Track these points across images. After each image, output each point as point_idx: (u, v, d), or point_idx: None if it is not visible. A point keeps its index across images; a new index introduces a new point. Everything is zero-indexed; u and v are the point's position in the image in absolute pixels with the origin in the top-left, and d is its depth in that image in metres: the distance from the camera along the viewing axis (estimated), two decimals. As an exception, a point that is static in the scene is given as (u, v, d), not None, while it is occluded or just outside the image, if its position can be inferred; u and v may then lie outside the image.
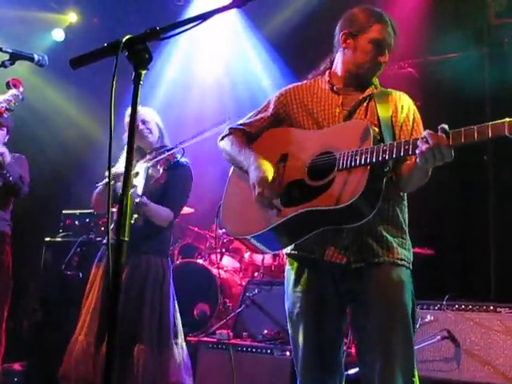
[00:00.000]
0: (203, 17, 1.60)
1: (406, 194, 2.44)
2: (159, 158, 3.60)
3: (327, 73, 2.57)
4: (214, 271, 5.34)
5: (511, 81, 5.41)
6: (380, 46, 2.40)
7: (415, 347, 3.80)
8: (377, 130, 2.32)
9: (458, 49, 6.08)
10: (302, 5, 5.95)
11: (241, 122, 2.64)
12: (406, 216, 2.43)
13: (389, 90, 2.52)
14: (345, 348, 3.95)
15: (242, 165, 2.49)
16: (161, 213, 3.63)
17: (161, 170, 3.60)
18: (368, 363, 2.27)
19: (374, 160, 2.14)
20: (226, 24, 6.56)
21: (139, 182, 3.53)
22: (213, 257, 5.76)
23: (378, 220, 2.29)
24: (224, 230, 4.56)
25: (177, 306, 3.71)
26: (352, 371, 3.64)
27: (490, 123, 1.94)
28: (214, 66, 6.85)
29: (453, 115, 5.53)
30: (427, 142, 2.03)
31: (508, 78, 5.51)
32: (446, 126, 2.04)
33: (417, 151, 2.08)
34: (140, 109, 3.78)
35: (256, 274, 5.56)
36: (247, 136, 2.59)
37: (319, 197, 2.21)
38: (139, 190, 3.51)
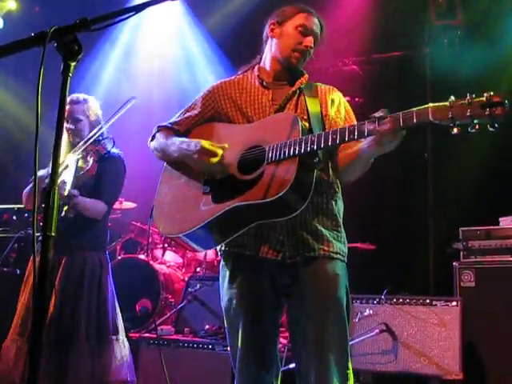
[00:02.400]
0: (136, 9, 1.57)
1: (340, 187, 2.45)
2: (87, 148, 3.52)
3: (256, 68, 2.58)
4: (157, 267, 5.29)
5: (451, 81, 5.55)
6: (305, 31, 2.45)
7: (354, 341, 3.92)
8: (306, 120, 2.33)
9: (400, 48, 6.21)
10: (243, 3, 5.96)
11: (170, 120, 2.62)
12: (341, 209, 2.44)
13: (317, 83, 2.54)
14: (286, 342, 4.02)
15: (175, 153, 2.46)
16: (93, 205, 3.55)
17: (91, 161, 3.51)
18: (303, 357, 2.29)
19: (302, 151, 2.14)
20: (170, 18, 6.50)
21: (68, 175, 3.44)
22: (155, 252, 5.71)
23: (313, 213, 2.31)
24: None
25: (116, 302, 3.65)
26: (293, 365, 3.68)
27: (415, 109, 1.98)
28: (158, 59, 6.77)
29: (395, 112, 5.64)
30: (383, 125, 2.04)
31: (448, 77, 5.65)
32: (380, 113, 2.07)
33: (364, 141, 2.12)
34: (77, 99, 3.69)
35: (198, 269, 5.54)
36: (176, 134, 2.57)
37: (249, 191, 2.19)
38: (68, 182, 3.42)
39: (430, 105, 1.96)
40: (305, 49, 2.46)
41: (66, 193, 3.35)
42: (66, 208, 3.42)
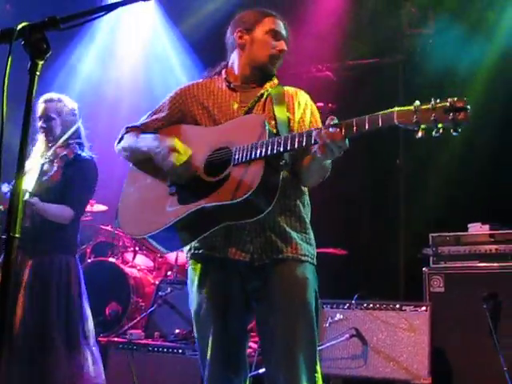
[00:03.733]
0: (106, 8, 1.56)
1: (307, 189, 2.46)
2: (56, 151, 3.47)
3: (224, 71, 2.58)
4: (127, 270, 5.24)
5: (422, 88, 5.63)
6: (276, 35, 2.47)
7: (325, 346, 3.93)
8: (273, 126, 2.33)
9: (373, 55, 6.28)
10: (221, 4, 5.95)
11: (137, 122, 2.60)
12: (309, 211, 2.44)
13: (285, 87, 2.55)
14: (256, 347, 4.01)
15: (144, 148, 2.44)
16: (56, 211, 3.49)
17: (55, 167, 3.46)
18: (271, 362, 2.28)
19: (268, 153, 2.14)
20: (145, 20, 6.47)
21: (30, 180, 3.39)
22: (126, 255, 5.66)
23: (281, 215, 2.31)
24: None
25: (87, 306, 3.60)
26: (262, 370, 3.67)
27: (381, 112, 1.99)
28: (131, 61, 6.73)
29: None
30: (324, 136, 2.06)
31: (419, 85, 5.73)
32: (335, 119, 2.08)
33: (315, 146, 2.11)
34: (51, 98, 3.65)
35: (169, 273, 5.50)
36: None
37: (214, 193, 2.18)
38: (29, 188, 3.37)
39: (396, 109, 1.98)
40: (280, 53, 2.48)
41: (24, 199, 3.29)
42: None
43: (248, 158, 2.17)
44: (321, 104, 5.57)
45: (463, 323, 4.21)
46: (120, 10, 1.67)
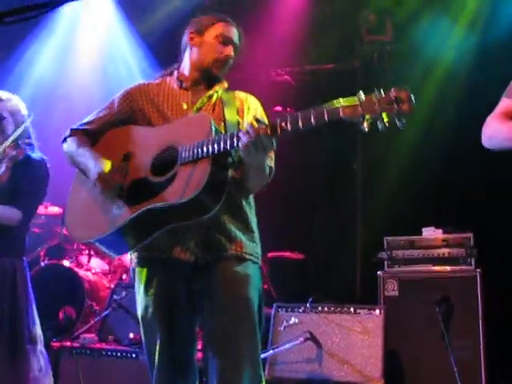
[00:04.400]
0: (51, 4, 1.52)
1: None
2: (5, 151, 3.39)
3: (175, 72, 2.59)
4: (82, 273, 5.15)
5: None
6: (225, 40, 2.50)
7: (279, 349, 3.93)
8: (223, 128, 2.34)
9: (332, 60, 6.33)
10: (179, 6, 5.93)
11: (83, 121, 2.57)
12: (254, 211, 2.45)
13: (236, 91, 2.57)
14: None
15: (81, 166, 2.42)
16: (4, 213, 3.39)
17: (3, 168, 3.38)
18: (209, 360, 2.25)
19: (215, 151, 2.13)
20: (102, 18, 6.40)
21: None
22: (81, 258, 5.56)
23: (226, 214, 2.30)
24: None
25: (34, 310, 3.50)
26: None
27: (326, 106, 1.99)
28: (88, 59, 6.63)
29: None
30: (248, 133, 2.07)
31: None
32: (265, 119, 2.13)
33: (240, 144, 2.10)
34: (0, 97, 3.56)
35: (125, 276, 5.43)
36: (89, 136, 2.53)
37: (161, 193, 2.16)
38: None
39: (341, 102, 1.97)
40: (225, 58, 2.51)
41: None
42: None
43: (194, 156, 2.16)
44: (279, 108, 5.61)
45: (416, 326, 4.27)
46: (79, 6, 1.63)
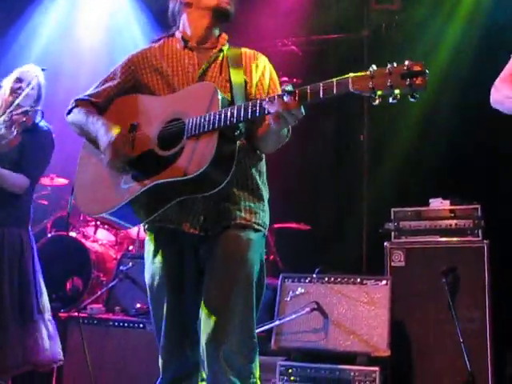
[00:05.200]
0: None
1: (264, 156, 2.41)
2: (13, 117, 3.37)
3: (177, 32, 2.50)
4: (88, 245, 5.16)
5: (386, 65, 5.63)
6: None
7: (285, 319, 3.94)
8: (228, 90, 2.29)
9: (339, 30, 6.24)
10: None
11: (87, 92, 2.51)
12: (265, 178, 2.41)
13: (243, 48, 2.49)
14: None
15: (90, 134, 2.37)
16: (11, 179, 3.40)
17: (14, 132, 3.37)
18: (202, 321, 2.22)
19: (221, 124, 2.08)
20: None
21: None
22: (87, 230, 5.57)
23: (235, 185, 2.26)
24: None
25: (41, 280, 3.53)
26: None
27: (336, 79, 1.93)
28: (92, 30, 6.56)
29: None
30: (276, 105, 1.99)
31: (384, 61, 5.73)
32: (289, 87, 2.00)
33: (269, 115, 2.04)
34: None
35: (131, 247, 5.44)
36: (95, 107, 2.47)
37: (169, 168, 2.13)
38: None
39: (351, 75, 1.90)
40: (225, 9, 2.40)
41: None
42: None
43: (201, 130, 2.11)
44: (286, 79, 5.55)
45: (423, 297, 4.26)
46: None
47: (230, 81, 2.32)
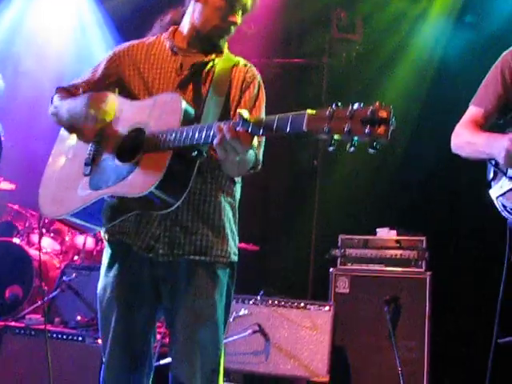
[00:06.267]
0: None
1: (238, 179, 2.27)
2: None
3: (171, 29, 2.34)
4: (31, 252, 5.04)
5: (345, 93, 5.76)
6: (233, 4, 2.21)
7: (227, 340, 3.92)
8: (201, 105, 2.13)
9: (301, 55, 6.34)
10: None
11: (71, 82, 2.38)
12: (237, 203, 2.28)
13: (237, 57, 2.32)
14: (159, 337, 3.95)
15: (65, 114, 2.23)
16: None
17: None
18: (172, 357, 2.19)
19: (175, 145, 1.94)
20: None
21: None
22: (32, 237, 5.44)
23: (193, 211, 2.13)
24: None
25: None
26: (164, 361, 3.62)
27: (292, 113, 1.71)
28: (53, 36, 6.47)
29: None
30: (225, 132, 1.83)
31: (342, 90, 5.86)
32: (244, 114, 1.82)
33: (214, 142, 1.86)
34: None
35: (76, 257, 5.33)
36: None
37: (122, 181, 2.04)
38: None
39: (308, 111, 1.68)
40: (228, 27, 2.24)
41: None
42: None
43: (157, 147, 1.99)
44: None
45: (365, 324, 4.33)
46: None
47: (208, 91, 2.18)
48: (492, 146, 2.28)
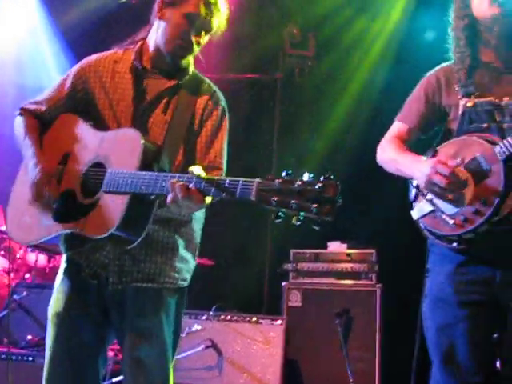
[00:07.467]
0: None
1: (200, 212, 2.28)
2: None
3: (138, 45, 2.26)
4: (-19, 271, 4.94)
5: (298, 110, 5.86)
6: (194, 23, 2.14)
7: (180, 356, 3.93)
8: (164, 134, 2.11)
9: (254, 70, 6.41)
10: (100, 6, 5.81)
11: (36, 98, 2.32)
12: (191, 230, 2.27)
13: (206, 80, 2.28)
14: (112, 355, 3.93)
15: (25, 159, 2.22)
16: None
17: None
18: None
19: (133, 190, 1.92)
20: (22, 9, 6.19)
21: None
22: (-19, 255, 5.33)
23: (144, 239, 2.06)
24: None
25: None
26: (117, 379, 3.61)
27: (243, 179, 1.69)
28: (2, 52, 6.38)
29: (244, 134, 5.83)
30: (177, 190, 1.80)
31: (295, 106, 5.96)
32: (195, 171, 1.81)
33: (167, 200, 1.85)
34: None
35: (28, 275, 5.25)
36: (39, 119, 2.29)
37: (82, 219, 2.02)
38: None
39: (257, 180, 1.66)
40: (191, 45, 2.17)
41: None
42: None
43: (115, 189, 1.96)
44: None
45: (317, 337, 4.39)
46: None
47: (169, 125, 2.13)
48: (414, 169, 2.36)
